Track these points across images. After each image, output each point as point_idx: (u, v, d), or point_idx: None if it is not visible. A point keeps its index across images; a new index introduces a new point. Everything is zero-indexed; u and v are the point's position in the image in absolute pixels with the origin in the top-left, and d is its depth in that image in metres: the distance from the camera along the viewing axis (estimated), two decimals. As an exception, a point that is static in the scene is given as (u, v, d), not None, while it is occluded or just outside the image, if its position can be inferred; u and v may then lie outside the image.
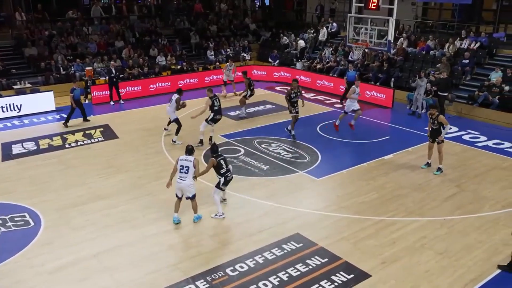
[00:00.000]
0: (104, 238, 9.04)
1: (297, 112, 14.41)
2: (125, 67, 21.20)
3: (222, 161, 9.77)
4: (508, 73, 17.50)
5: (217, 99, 13.78)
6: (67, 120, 16.03)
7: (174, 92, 14.56)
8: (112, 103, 18.84)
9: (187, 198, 9.46)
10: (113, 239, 8.97)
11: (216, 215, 9.88)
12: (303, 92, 15.56)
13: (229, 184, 10.00)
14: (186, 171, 9.17)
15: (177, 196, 9.52)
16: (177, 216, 9.58)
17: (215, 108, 13.68)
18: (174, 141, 14.26)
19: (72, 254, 8.48)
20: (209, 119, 13.74)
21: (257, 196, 10.83)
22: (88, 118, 16.55)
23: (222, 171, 9.73)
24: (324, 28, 24.92)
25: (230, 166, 9.97)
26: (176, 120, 14.40)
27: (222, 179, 9.77)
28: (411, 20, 24.46)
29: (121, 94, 19.11)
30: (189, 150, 9.34)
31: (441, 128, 12.03)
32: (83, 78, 19.97)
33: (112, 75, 18.58)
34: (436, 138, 12.18)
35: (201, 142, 13.87)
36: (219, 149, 10.19)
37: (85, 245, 8.77)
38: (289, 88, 15.05)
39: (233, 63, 20.75)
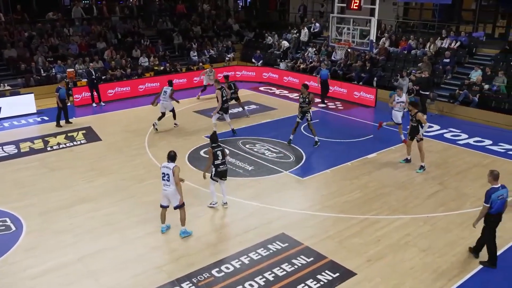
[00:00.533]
0: (88, 241, 8.95)
1: (300, 119, 13.84)
2: (107, 69, 21.00)
3: (219, 152, 9.88)
4: (487, 72, 17.81)
5: (224, 90, 14.75)
6: (57, 121, 15.92)
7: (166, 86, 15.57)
8: (94, 105, 18.65)
9: (175, 208, 8.97)
10: (97, 243, 8.88)
11: (211, 203, 10.28)
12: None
13: (225, 178, 10.14)
14: (168, 179, 8.74)
15: (161, 206, 9.09)
16: (165, 226, 9.27)
17: (223, 98, 14.56)
18: (155, 125, 15.37)
19: (56, 259, 8.37)
20: (218, 109, 14.58)
21: (242, 197, 10.82)
22: (71, 120, 16.36)
23: (216, 162, 9.86)
24: (306, 28, 25.04)
25: (227, 159, 10.11)
26: (173, 110, 15.53)
27: (214, 170, 9.92)
28: (393, 20, 24.73)
29: (110, 95, 18.97)
30: (171, 157, 8.90)
31: (419, 126, 12.14)
32: (65, 80, 19.67)
33: (93, 76, 18.40)
34: (415, 136, 12.29)
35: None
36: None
37: (69, 249, 8.66)
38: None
39: (213, 69, 20.50)
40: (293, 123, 14.20)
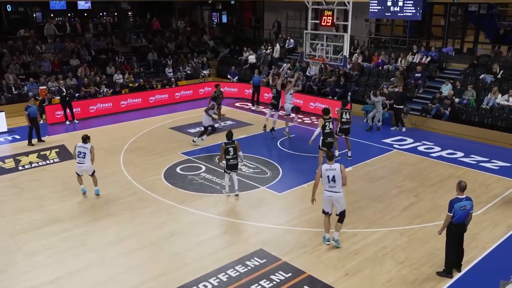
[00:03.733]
0: (62, 262, 8.71)
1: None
2: (81, 86, 20.74)
3: (230, 149, 11.24)
4: (457, 86, 18.28)
5: (275, 90, 16.47)
6: (29, 139, 15.59)
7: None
8: (67, 122, 18.36)
9: (91, 175, 11.57)
10: (71, 264, 8.65)
11: (224, 191, 11.73)
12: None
13: (235, 170, 11.49)
14: (83, 156, 11.26)
15: (78, 174, 11.56)
16: (83, 187, 11.56)
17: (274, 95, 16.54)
18: (195, 141, 15.56)
19: (28, 281, 8.11)
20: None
21: (219, 213, 10.75)
22: (43, 138, 16.03)
23: (228, 157, 11.24)
24: (278, 45, 25.33)
25: (239, 153, 11.45)
26: (207, 127, 15.55)
27: (226, 164, 11.30)
28: (365, 36, 25.23)
29: (91, 111, 19.11)
30: (85, 139, 11.41)
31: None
32: (37, 98, 19.36)
33: (64, 94, 18.15)
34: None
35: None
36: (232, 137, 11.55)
37: (41, 271, 8.42)
38: None
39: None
40: (269, 138, 14.25)
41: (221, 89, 18.38)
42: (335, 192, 8.98)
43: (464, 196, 8.11)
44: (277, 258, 8.84)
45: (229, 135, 11.45)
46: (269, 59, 25.22)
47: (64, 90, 18.26)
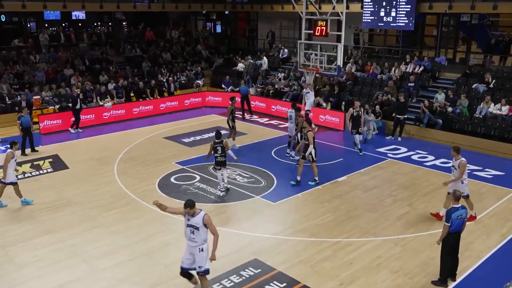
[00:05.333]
0: (54, 274, 8.61)
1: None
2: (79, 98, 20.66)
3: (219, 147, 12.03)
4: (449, 95, 18.40)
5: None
6: (22, 149, 15.49)
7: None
8: (72, 131, 18.42)
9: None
10: (63, 275, 8.55)
11: (219, 188, 12.47)
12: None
13: (224, 166, 12.26)
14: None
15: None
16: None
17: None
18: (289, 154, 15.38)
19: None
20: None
21: (214, 223, 10.65)
22: (36, 148, 15.94)
23: (216, 155, 12.07)
24: (264, 57, 25.49)
25: (229, 152, 12.50)
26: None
27: (214, 161, 12.13)
28: (359, 46, 25.39)
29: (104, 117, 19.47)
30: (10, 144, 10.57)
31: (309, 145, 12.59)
32: (32, 108, 19.30)
33: (78, 102, 18.33)
34: (305, 154, 12.77)
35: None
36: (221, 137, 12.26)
37: (32, 283, 8.32)
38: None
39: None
40: (264, 148, 14.27)
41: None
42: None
43: (460, 205, 8.16)
44: (272, 268, 8.79)
45: (218, 135, 12.19)
46: (252, 70, 25.39)
47: (77, 98, 18.43)
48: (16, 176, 12.47)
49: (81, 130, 18.57)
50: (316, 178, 13.01)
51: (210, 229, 7.52)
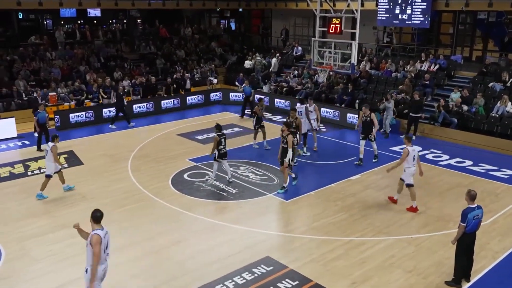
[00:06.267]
0: (67, 269, 8.71)
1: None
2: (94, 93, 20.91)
3: (223, 139, 12.45)
4: (465, 94, 18.17)
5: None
6: (38, 145, 15.74)
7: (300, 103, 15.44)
8: (131, 124, 18.88)
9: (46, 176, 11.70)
10: (76, 270, 8.61)
11: (209, 177, 12.85)
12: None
13: (225, 157, 12.67)
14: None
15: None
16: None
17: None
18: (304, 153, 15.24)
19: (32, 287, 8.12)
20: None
21: (226, 220, 10.72)
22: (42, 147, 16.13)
23: (220, 147, 12.39)
24: (274, 59, 25.40)
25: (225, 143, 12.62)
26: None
27: (217, 153, 12.44)
28: (373, 43, 25.21)
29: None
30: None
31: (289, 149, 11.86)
32: (47, 104, 19.54)
33: (122, 97, 18.76)
34: (284, 159, 11.98)
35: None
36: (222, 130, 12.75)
37: (47, 278, 8.43)
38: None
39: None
40: (277, 145, 14.18)
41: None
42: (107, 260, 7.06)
43: (476, 204, 8.03)
44: (284, 265, 8.78)
45: (219, 127, 12.60)
46: (261, 68, 25.44)
47: (122, 94, 18.82)
48: (39, 169, 13.38)
49: (114, 127, 18.76)
50: (285, 185, 12.24)
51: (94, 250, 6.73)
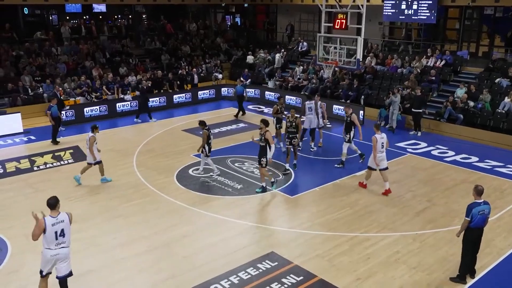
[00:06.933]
0: (74, 263, 8.72)
1: (289, 144, 13.35)
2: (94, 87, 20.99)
3: (210, 134, 12.66)
4: (472, 89, 18.08)
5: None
6: (54, 139, 15.96)
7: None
8: (153, 120, 19.10)
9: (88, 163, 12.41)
10: (83, 265, 8.70)
11: (214, 173, 12.90)
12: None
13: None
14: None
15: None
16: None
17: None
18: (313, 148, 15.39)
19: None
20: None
21: (231, 216, 10.75)
22: (58, 139, 16.19)
23: (210, 141, 12.55)
24: (277, 55, 25.36)
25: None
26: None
27: (207, 148, 12.58)
28: (379, 39, 25.10)
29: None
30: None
31: (268, 148, 11.53)
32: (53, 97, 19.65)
33: (145, 92, 19.19)
34: (261, 159, 11.61)
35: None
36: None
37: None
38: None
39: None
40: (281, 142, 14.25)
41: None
42: (64, 247, 7.19)
43: (482, 200, 7.99)
44: (289, 261, 8.80)
45: (204, 123, 12.80)
46: (264, 64, 25.44)
47: (145, 88, 19.33)
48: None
49: (140, 120, 19.08)
50: (264, 184, 11.93)
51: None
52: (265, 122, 11.73)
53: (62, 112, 17.46)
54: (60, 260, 7.18)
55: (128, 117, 19.59)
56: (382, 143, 11.65)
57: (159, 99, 21.23)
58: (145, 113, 19.20)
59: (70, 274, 7.34)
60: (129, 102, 20.26)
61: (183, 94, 22.31)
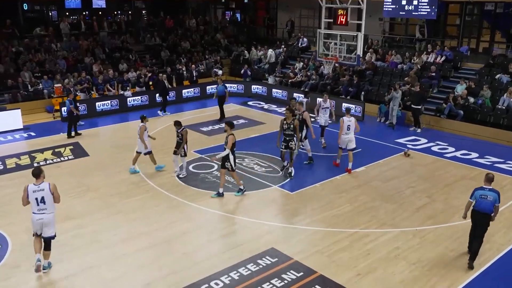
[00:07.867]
0: (74, 259, 8.80)
1: (284, 148, 12.65)
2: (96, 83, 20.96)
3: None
4: (471, 85, 18.06)
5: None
6: (72, 131, 16.24)
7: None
8: (161, 114, 19.50)
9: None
10: (83, 261, 8.73)
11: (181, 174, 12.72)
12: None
13: None
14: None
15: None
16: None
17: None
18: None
19: (41, 278, 8.21)
20: None
21: (231, 212, 10.76)
22: (57, 136, 16.19)
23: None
24: (270, 50, 25.36)
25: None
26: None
27: (186, 148, 12.63)
28: (379, 35, 25.06)
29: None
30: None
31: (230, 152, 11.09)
32: (52, 95, 19.64)
33: (166, 86, 19.60)
34: (225, 163, 11.15)
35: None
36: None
37: (54, 268, 8.50)
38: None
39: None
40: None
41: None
42: (45, 213, 8.02)
43: (489, 187, 8.37)
44: (289, 257, 8.82)
45: (180, 123, 12.57)
46: (258, 60, 25.53)
47: (166, 83, 19.68)
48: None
49: (168, 113, 19.44)
50: (242, 187, 11.58)
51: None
52: (230, 124, 11.24)
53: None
54: (45, 225, 8.04)
55: (138, 112, 19.51)
56: (349, 125, 12.76)
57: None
58: (161, 104, 19.59)
59: (54, 237, 8.21)
60: (140, 97, 20.51)
61: (192, 89, 22.52)
